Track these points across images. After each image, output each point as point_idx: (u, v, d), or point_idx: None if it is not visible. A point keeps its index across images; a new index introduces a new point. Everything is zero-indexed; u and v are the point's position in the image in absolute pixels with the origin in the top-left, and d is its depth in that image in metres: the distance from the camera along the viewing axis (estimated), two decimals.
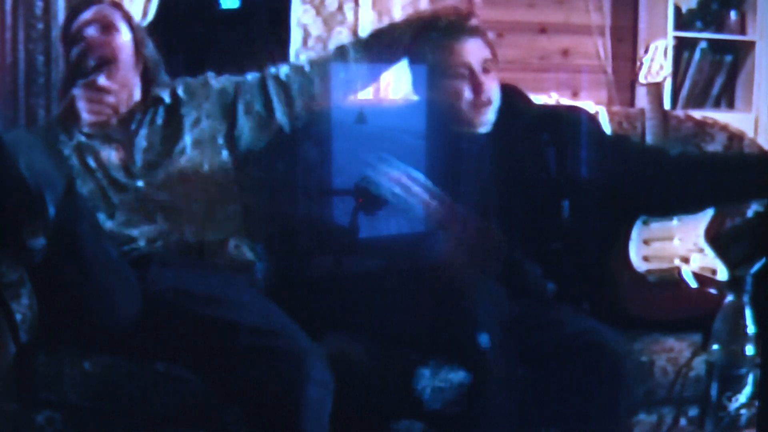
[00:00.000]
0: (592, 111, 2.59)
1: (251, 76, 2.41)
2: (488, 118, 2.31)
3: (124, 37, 2.28)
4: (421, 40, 2.35)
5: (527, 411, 2.05)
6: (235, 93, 2.38)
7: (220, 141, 2.36)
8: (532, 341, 2.06)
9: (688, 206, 2.36)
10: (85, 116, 2.14)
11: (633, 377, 2.03)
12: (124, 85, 2.26)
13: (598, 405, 1.98)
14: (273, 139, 2.43)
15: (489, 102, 2.30)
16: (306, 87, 2.38)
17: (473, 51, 2.30)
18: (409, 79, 2.44)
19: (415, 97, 2.43)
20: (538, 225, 2.30)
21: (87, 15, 2.26)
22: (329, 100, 2.41)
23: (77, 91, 2.15)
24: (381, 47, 2.41)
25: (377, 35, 2.45)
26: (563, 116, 2.41)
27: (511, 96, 2.38)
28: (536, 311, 2.15)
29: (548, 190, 2.31)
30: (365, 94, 3.03)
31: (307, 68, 2.41)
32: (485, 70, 2.30)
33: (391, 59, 2.44)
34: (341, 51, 2.42)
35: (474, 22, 2.33)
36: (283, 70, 2.41)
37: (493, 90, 2.31)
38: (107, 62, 2.22)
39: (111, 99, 2.14)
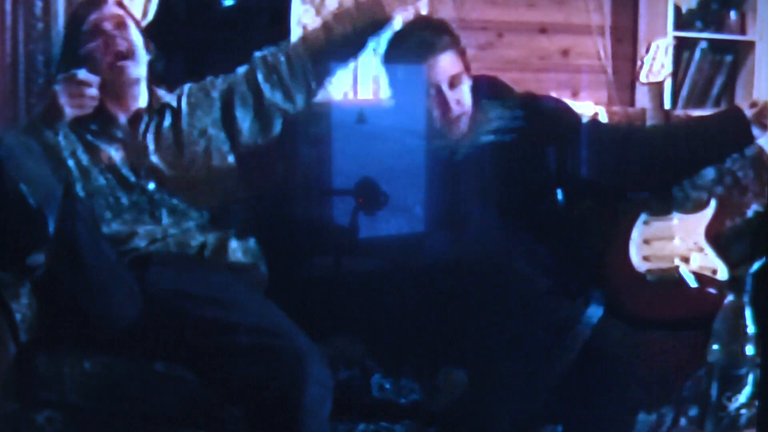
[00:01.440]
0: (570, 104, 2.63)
1: (241, 69, 2.42)
2: (463, 126, 2.33)
3: (135, 35, 2.28)
4: (394, 53, 2.37)
5: (530, 410, 2.06)
6: (230, 91, 2.38)
7: (226, 148, 2.36)
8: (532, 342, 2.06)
9: (669, 177, 2.41)
10: (68, 111, 2.14)
11: (634, 375, 2.03)
12: (134, 83, 2.27)
13: (600, 404, 1.98)
14: (276, 126, 2.42)
15: (459, 115, 2.33)
16: (293, 62, 2.38)
17: (441, 69, 2.32)
18: (387, 85, 2.47)
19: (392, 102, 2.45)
20: (527, 219, 2.31)
21: (102, 12, 2.26)
22: (320, 71, 2.41)
23: (58, 87, 2.15)
24: (363, 18, 2.40)
25: (360, 6, 2.43)
26: (539, 107, 2.43)
27: (490, 90, 2.39)
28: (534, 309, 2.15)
29: (534, 183, 2.33)
30: (365, 94, 3.04)
31: (292, 44, 2.42)
32: (452, 86, 2.32)
33: (374, 30, 2.42)
34: (326, 25, 2.42)
35: (444, 37, 2.34)
36: (268, 51, 2.41)
37: (463, 101, 2.34)
38: (125, 57, 2.23)
39: (92, 92, 2.14)
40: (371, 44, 2.43)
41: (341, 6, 2.83)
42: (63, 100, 2.13)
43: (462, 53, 2.37)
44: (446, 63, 2.32)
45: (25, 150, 1.90)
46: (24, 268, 1.89)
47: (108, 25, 2.25)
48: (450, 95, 2.32)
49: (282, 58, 2.38)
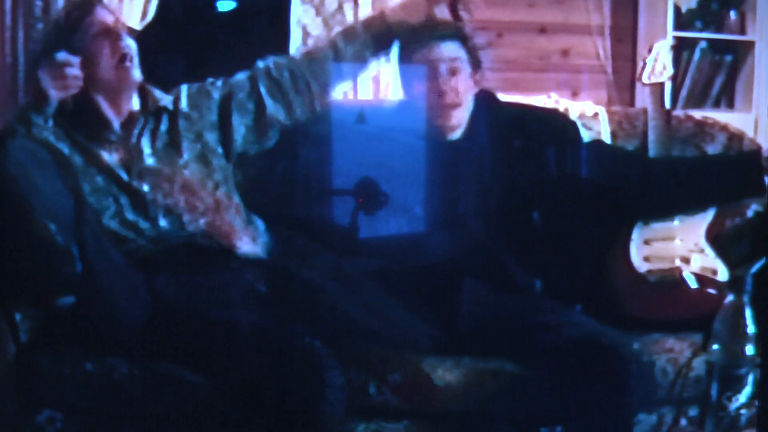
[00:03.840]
0: (567, 113, 2.64)
1: (241, 75, 2.41)
2: (458, 121, 2.33)
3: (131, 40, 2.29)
4: (407, 41, 2.38)
5: (530, 411, 2.06)
6: (229, 96, 2.38)
7: (220, 150, 2.36)
8: (534, 342, 2.06)
9: (662, 209, 2.39)
10: (53, 93, 2.13)
11: (637, 378, 2.03)
12: (134, 86, 2.27)
13: (601, 405, 1.99)
14: (273, 136, 2.42)
15: (452, 104, 2.32)
16: (297, 77, 2.38)
17: (442, 53, 2.33)
18: (398, 79, 2.47)
19: (402, 98, 2.45)
20: (522, 226, 2.31)
21: (105, 13, 2.27)
22: (323, 89, 2.41)
23: (40, 72, 2.14)
24: (370, 37, 2.40)
25: (367, 26, 2.43)
26: (539, 118, 2.44)
27: (485, 100, 2.39)
28: (536, 312, 2.15)
29: (526, 192, 2.33)
30: (365, 94, 3.04)
31: (297, 58, 2.41)
32: (451, 72, 2.32)
33: (380, 49, 2.43)
34: (333, 43, 2.42)
35: (452, 28, 2.35)
36: (272, 62, 2.40)
37: (459, 91, 2.33)
38: (130, 59, 2.23)
39: (74, 71, 2.14)
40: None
41: (342, 12, 2.84)
42: (46, 83, 2.13)
43: (471, 52, 2.38)
44: (448, 49, 2.33)
45: (35, 162, 1.90)
46: (54, 307, 1.89)
47: (115, 27, 2.25)
48: (446, 79, 2.31)
49: (286, 74, 2.37)
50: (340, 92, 2.52)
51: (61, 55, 2.13)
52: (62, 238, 1.82)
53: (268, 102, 2.37)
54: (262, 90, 2.37)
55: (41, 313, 2.07)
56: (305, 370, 1.87)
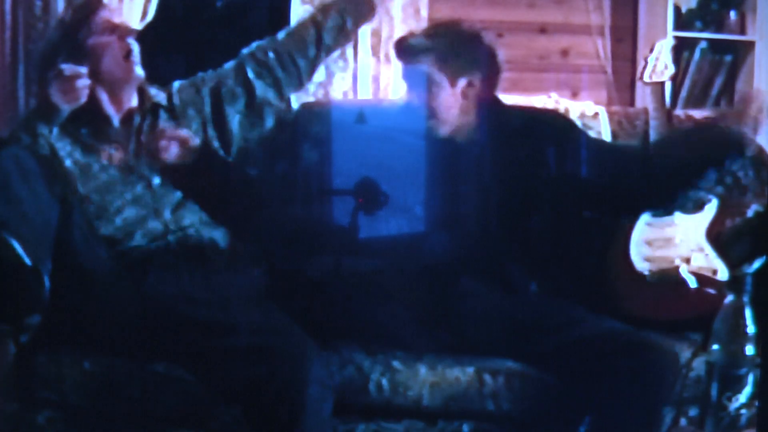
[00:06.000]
0: (567, 114, 2.64)
1: (228, 64, 2.42)
2: (460, 120, 2.33)
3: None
4: (440, 42, 2.37)
5: (530, 411, 2.06)
6: (218, 87, 2.38)
7: (216, 144, 2.36)
8: (542, 342, 2.06)
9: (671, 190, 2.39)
10: (65, 107, 2.15)
11: (669, 375, 2.03)
12: (137, 82, 2.28)
13: (621, 402, 1.98)
14: (268, 119, 2.42)
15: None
16: (282, 55, 2.38)
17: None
18: (407, 82, 2.45)
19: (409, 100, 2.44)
20: (523, 225, 2.31)
21: (109, 12, 2.28)
22: (309, 64, 2.41)
23: (51, 88, 2.15)
24: (348, 6, 2.40)
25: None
26: (539, 119, 2.44)
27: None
28: (539, 312, 2.15)
29: (526, 192, 2.33)
30: (365, 94, 3.04)
31: (280, 38, 2.41)
32: None
33: (360, 18, 2.43)
34: (312, 17, 2.42)
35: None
36: (255, 46, 2.41)
37: None
38: (134, 54, 2.24)
39: (83, 82, 2.16)
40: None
41: None
42: (57, 98, 2.14)
43: None
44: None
45: (19, 173, 1.90)
46: (22, 325, 1.90)
47: (121, 24, 2.27)
48: None
49: (271, 54, 2.38)
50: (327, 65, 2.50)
51: (69, 68, 2.14)
52: (32, 258, 1.83)
53: (257, 84, 2.38)
54: (250, 74, 2.38)
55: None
56: (291, 368, 1.87)
